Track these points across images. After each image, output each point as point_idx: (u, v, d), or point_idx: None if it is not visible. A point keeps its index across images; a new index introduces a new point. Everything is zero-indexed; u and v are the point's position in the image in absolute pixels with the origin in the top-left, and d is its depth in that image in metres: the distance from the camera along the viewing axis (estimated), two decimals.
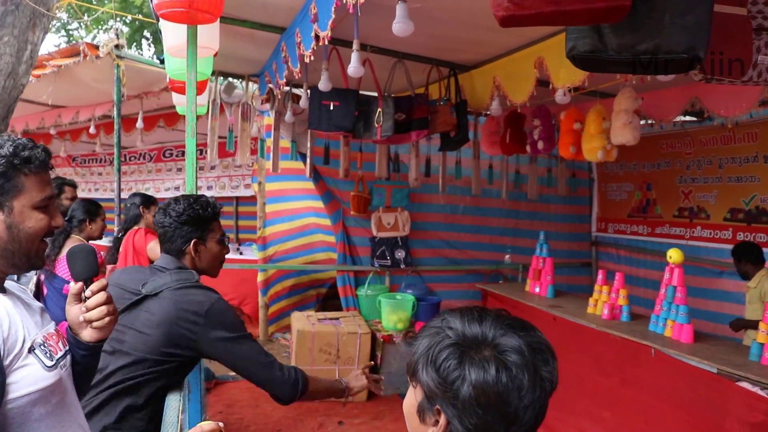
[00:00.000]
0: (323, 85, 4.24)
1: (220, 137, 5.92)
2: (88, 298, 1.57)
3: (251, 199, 9.88)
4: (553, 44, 3.76)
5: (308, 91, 4.92)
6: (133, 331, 2.15)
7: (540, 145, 5.19)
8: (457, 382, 1.04)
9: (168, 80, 4.37)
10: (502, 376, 1.03)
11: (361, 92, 4.99)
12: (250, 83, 5.83)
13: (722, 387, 3.75)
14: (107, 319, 1.57)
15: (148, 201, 5.12)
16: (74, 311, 1.58)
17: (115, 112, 6.35)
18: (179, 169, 10.82)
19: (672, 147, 6.32)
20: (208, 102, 5.64)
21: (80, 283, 1.58)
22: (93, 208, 4.50)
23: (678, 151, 6.24)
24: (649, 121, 5.01)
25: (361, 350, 5.77)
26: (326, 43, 2.96)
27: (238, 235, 10.82)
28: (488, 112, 5.22)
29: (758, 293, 4.75)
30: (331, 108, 4.76)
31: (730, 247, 5.63)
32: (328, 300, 8.12)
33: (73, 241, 4.34)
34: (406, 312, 6.20)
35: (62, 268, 4.20)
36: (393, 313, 6.15)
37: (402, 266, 6.95)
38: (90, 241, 4.45)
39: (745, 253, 4.64)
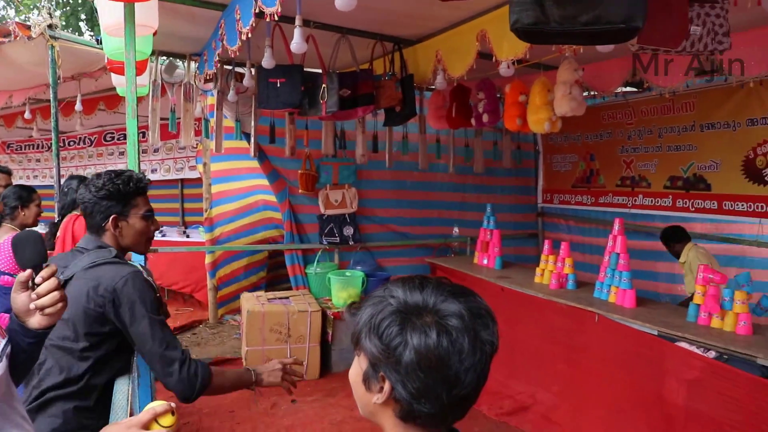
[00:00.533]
0: (267, 62, 4.19)
1: (162, 119, 5.79)
2: (38, 285, 1.54)
3: (197, 181, 9.72)
4: (495, 17, 3.78)
5: (252, 69, 4.85)
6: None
7: (485, 118, 5.23)
8: (400, 348, 1.06)
9: (106, 61, 4.24)
10: (443, 340, 1.05)
11: (306, 69, 4.94)
12: (192, 62, 5.70)
13: (662, 348, 3.90)
14: (59, 305, 1.54)
15: None
16: (21, 299, 1.55)
17: (51, 95, 6.12)
18: (121, 153, 10.55)
19: (613, 117, 6.45)
20: (149, 82, 5.50)
21: (29, 271, 1.54)
22: (25, 194, 4.30)
23: (619, 121, 6.38)
24: (592, 93, 5.11)
25: (312, 328, 5.78)
26: (276, 19, 2.91)
27: (185, 218, 10.66)
28: (434, 87, 5.22)
29: (688, 266, 4.99)
30: (278, 85, 4.71)
31: (670, 214, 5.83)
32: (276, 281, 8.10)
33: (6, 230, 4.19)
34: (355, 288, 6.22)
35: None
36: (343, 290, 6.17)
37: (351, 243, 6.95)
38: (24, 228, 4.30)
39: (671, 236, 4.87)
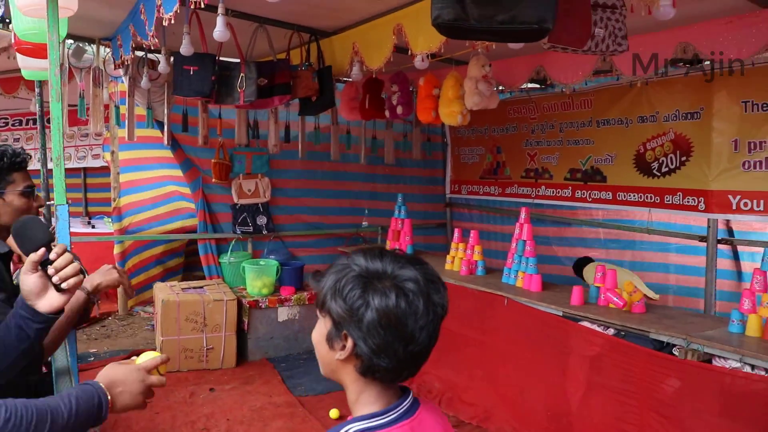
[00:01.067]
0: (185, 49, 4.18)
1: (70, 105, 5.63)
2: (53, 261, 1.59)
3: (101, 170, 9.44)
4: (411, 12, 3.92)
5: (168, 55, 4.81)
6: None
7: (399, 110, 5.39)
8: (362, 309, 1.18)
9: (13, 41, 4.10)
10: (401, 302, 1.18)
11: (221, 58, 4.94)
12: (102, 47, 5.57)
13: (566, 327, 4.20)
14: (80, 276, 1.60)
15: None
16: (33, 279, 1.58)
17: None
18: (16, 140, 10.09)
19: (518, 112, 6.77)
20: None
21: (42, 250, 1.59)
22: None
23: (524, 116, 6.71)
24: (500, 87, 5.36)
25: (227, 317, 5.79)
26: (201, 6, 2.94)
27: (88, 208, 10.32)
28: (348, 78, 5.33)
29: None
30: (191, 73, 4.69)
31: (570, 204, 6.22)
32: (189, 271, 8.03)
33: None
34: (270, 277, 6.28)
35: None
36: (257, 278, 6.21)
37: (264, 232, 6.99)
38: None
39: (580, 266, 5.07)
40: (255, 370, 5.75)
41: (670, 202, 5.16)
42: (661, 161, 5.23)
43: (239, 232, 6.89)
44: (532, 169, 6.67)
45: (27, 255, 1.61)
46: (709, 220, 5.03)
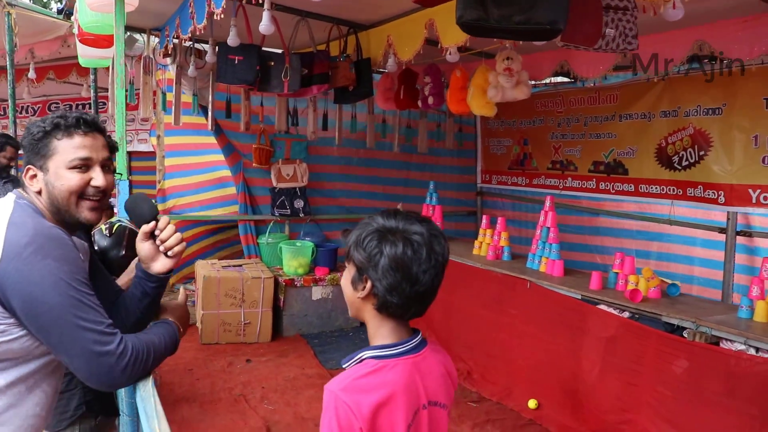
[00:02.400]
0: (232, 40, 4.48)
1: None
2: (161, 231, 1.89)
3: (146, 154, 9.84)
4: (443, 9, 4.15)
5: (214, 45, 5.12)
6: None
7: (430, 100, 5.64)
8: (378, 256, 1.48)
9: (77, 32, 4.45)
10: (408, 250, 1.47)
11: (263, 48, 5.24)
12: (152, 36, 5.91)
13: (584, 310, 4.40)
14: (183, 244, 1.90)
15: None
16: (146, 246, 1.88)
17: (7, 62, 6.23)
18: None
19: (545, 106, 6.96)
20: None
21: (152, 223, 1.89)
22: None
23: (551, 109, 6.90)
24: (531, 82, 5.57)
25: (264, 294, 6.12)
26: (245, 1, 3.21)
27: (132, 191, 10.71)
28: (384, 70, 5.60)
29: None
30: (236, 62, 4.99)
31: (596, 196, 6.40)
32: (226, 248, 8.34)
33: None
34: (305, 258, 6.58)
35: None
36: (294, 259, 6.52)
37: (301, 215, 7.30)
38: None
39: None
40: (289, 345, 6.08)
41: (692, 194, 5.32)
42: (681, 155, 5.39)
43: (277, 215, 7.21)
44: (557, 160, 6.86)
45: (139, 227, 1.90)
46: (728, 213, 5.17)
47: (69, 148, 1.73)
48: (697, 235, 5.88)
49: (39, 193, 1.74)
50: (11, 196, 1.74)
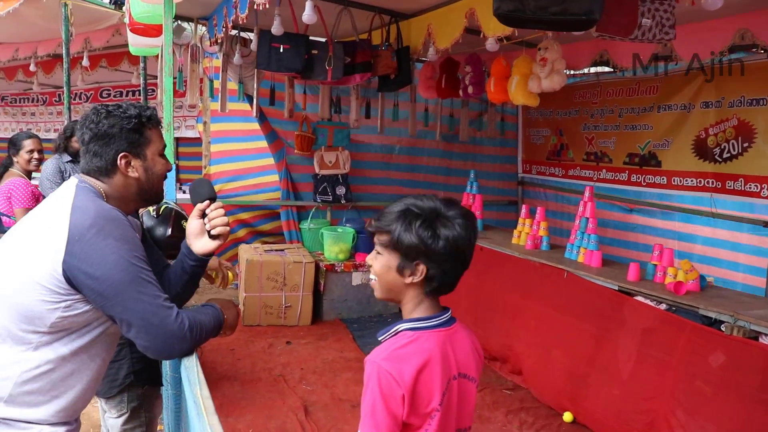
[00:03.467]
0: (276, 29, 4.58)
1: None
2: (212, 211, 2.03)
3: (193, 140, 10.08)
4: None
5: (259, 34, 5.23)
6: None
7: (470, 89, 5.67)
8: (435, 241, 1.54)
9: (128, 21, 4.61)
10: (462, 233, 1.55)
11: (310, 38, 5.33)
12: (200, 25, 6.06)
13: (621, 301, 4.39)
14: (227, 227, 2.03)
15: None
16: (195, 223, 2.04)
17: (63, 51, 6.45)
18: None
19: (583, 97, 6.91)
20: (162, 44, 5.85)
21: (207, 201, 2.04)
22: (17, 141, 4.70)
23: (587, 100, 6.85)
24: (570, 72, 5.55)
25: (305, 278, 6.25)
26: None
27: (179, 176, 11.01)
28: (425, 59, 5.64)
29: None
30: (281, 50, 5.10)
31: (630, 188, 6.34)
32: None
33: (12, 174, 4.62)
34: (346, 244, 6.68)
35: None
36: (335, 244, 6.64)
37: (342, 202, 7.40)
38: (30, 174, 4.71)
39: None
40: (328, 329, 6.21)
41: (732, 187, 5.24)
42: (723, 147, 5.31)
43: (319, 201, 7.33)
44: (591, 152, 6.82)
45: (194, 205, 2.06)
46: None
47: (158, 137, 1.98)
48: (741, 240, 5.69)
49: (137, 179, 1.93)
50: (74, 181, 1.90)
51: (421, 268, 1.56)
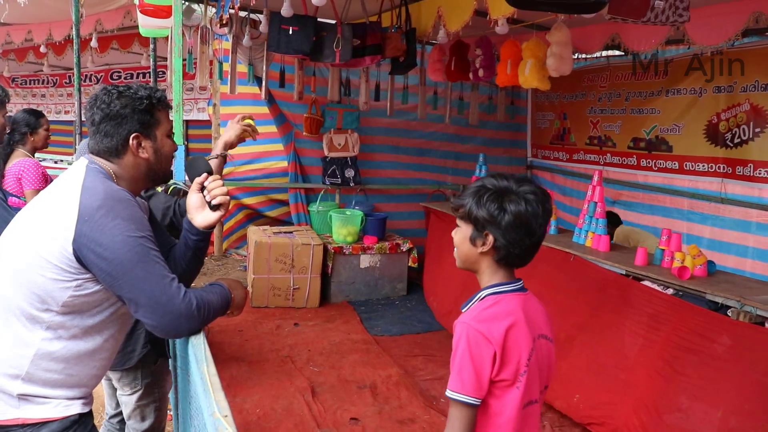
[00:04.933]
0: (285, 11, 4.58)
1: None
2: (210, 183, 2.06)
3: (203, 123, 10.08)
4: None
5: (269, 16, 5.21)
6: None
7: (481, 72, 5.64)
8: (500, 214, 1.66)
9: (138, 2, 4.60)
10: (529, 207, 1.66)
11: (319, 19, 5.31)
12: (210, 7, 6.04)
13: (629, 285, 4.39)
14: (228, 197, 2.06)
15: None
16: (195, 196, 2.07)
17: (74, 33, 6.44)
18: None
19: (591, 80, 6.88)
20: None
21: (204, 174, 2.08)
22: (33, 119, 4.56)
23: (595, 84, 6.82)
24: (580, 56, 5.51)
25: (313, 260, 6.28)
26: None
27: (188, 157, 11.03)
28: (435, 41, 5.61)
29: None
30: (290, 32, 5.09)
31: (635, 172, 6.30)
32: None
33: (18, 154, 4.49)
34: (355, 226, 6.70)
35: (7, 183, 4.38)
36: (343, 227, 6.65)
37: (351, 184, 7.41)
38: (36, 152, 4.63)
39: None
40: (336, 311, 6.25)
41: (742, 173, 5.21)
42: (734, 132, 5.27)
43: (328, 183, 7.34)
44: (595, 136, 6.80)
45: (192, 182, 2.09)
46: None
47: (166, 119, 2.01)
48: (750, 218, 5.70)
49: (147, 159, 1.96)
50: (83, 161, 1.93)
51: (490, 239, 1.69)
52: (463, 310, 1.76)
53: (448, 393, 1.64)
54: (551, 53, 4.61)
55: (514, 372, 1.66)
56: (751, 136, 5.15)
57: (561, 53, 4.52)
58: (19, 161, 4.44)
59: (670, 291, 4.17)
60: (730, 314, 3.75)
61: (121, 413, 2.94)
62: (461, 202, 1.75)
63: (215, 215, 2.05)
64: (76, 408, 1.87)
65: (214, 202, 2.04)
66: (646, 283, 4.32)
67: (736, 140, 5.27)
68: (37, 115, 4.65)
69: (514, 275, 1.78)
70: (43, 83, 12.58)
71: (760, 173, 5.07)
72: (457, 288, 6.29)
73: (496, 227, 1.67)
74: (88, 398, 1.94)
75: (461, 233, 1.78)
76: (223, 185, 2.06)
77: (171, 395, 2.83)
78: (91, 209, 1.75)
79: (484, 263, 1.75)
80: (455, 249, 1.83)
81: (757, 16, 3.87)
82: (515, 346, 1.66)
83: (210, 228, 2.07)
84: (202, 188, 2.07)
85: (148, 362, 2.76)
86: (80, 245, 1.73)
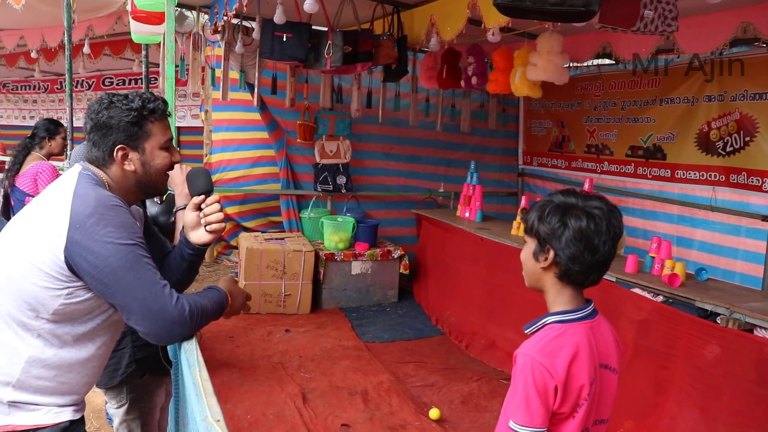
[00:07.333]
0: (278, 18, 4.59)
1: None
2: (207, 206, 2.04)
3: (195, 129, 10.08)
4: None
5: (261, 23, 5.23)
6: None
7: (474, 80, 5.68)
8: (561, 229, 1.64)
9: (130, 9, 4.61)
10: (591, 224, 1.62)
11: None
12: (202, 13, 6.06)
13: (619, 293, 4.41)
14: (222, 224, 2.05)
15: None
16: (191, 216, 2.05)
17: (66, 38, 6.44)
18: None
19: (585, 89, 6.92)
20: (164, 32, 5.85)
21: (202, 196, 2.05)
22: (53, 127, 4.85)
23: (589, 92, 6.86)
24: (573, 64, 5.55)
25: (305, 267, 6.28)
26: None
27: (181, 165, 10.98)
28: (427, 49, 5.64)
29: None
30: (284, 39, 5.10)
31: (632, 180, 6.34)
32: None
33: (34, 158, 4.70)
34: (346, 233, 6.70)
35: (23, 182, 4.52)
36: (335, 233, 6.65)
37: (343, 191, 7.42)
38: (50, 157, 4.83)
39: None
40: (327, 317, 6.24)
41: (735, 181, 5.25)
42: (725, 140, 5.32)
43: (320, 190, 7.35)
44: (592, 144, 6.84)
45: (192, 196, 2.07)
46: None
47: (160, 131, 1.95)
48: (741, 224, 5.75)
49: (134, 172, 1.93)
50: (77, 168, 1.92)
51: (551, 254, 1.67)
52: (526, 332, 1.73)
53: (516, 427, 1.59)
54: (533, 62, 4.65)
55: (573, 404, 1.64)
56: (742, 145, 5.19)
57: (550, 62, 4.55)
58: (36, 163, 4.63)
59: (660, 298, 4.19)
60: (719, 321, 3.77)
61: None
62: (527, 217, 1.75)
63: (210, 236, 2.06)
64: (67, 415, 1.86)
65: (208, 229, 2.04)
66: (636, 290, 4.34)
67: (729, 149, 5.32)
68: (57, 124, 4.92)
69: (582, 298, 1.75)
70: (34, 89, 12.56)
71: (752, 181, 5.11)
72: (449, 294, 6.31)
73: (557, 242, 1.65)
74: (79, 405, 1.94)
75: (527, 249, 1.76)
76: (220, 210, 2.05)
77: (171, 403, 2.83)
78: (83, 217, 1.74)
79: (548, 281, 1.73)
80: (523, 266, 1.82)
81: (746, 26, 3.92)
82: (576, 380, 1.63)
83: (205, 246, 2.08)
84: (200, 207, 2.06)
85: (134, 378, 2.76)
86: (72, 253, 1.73)
